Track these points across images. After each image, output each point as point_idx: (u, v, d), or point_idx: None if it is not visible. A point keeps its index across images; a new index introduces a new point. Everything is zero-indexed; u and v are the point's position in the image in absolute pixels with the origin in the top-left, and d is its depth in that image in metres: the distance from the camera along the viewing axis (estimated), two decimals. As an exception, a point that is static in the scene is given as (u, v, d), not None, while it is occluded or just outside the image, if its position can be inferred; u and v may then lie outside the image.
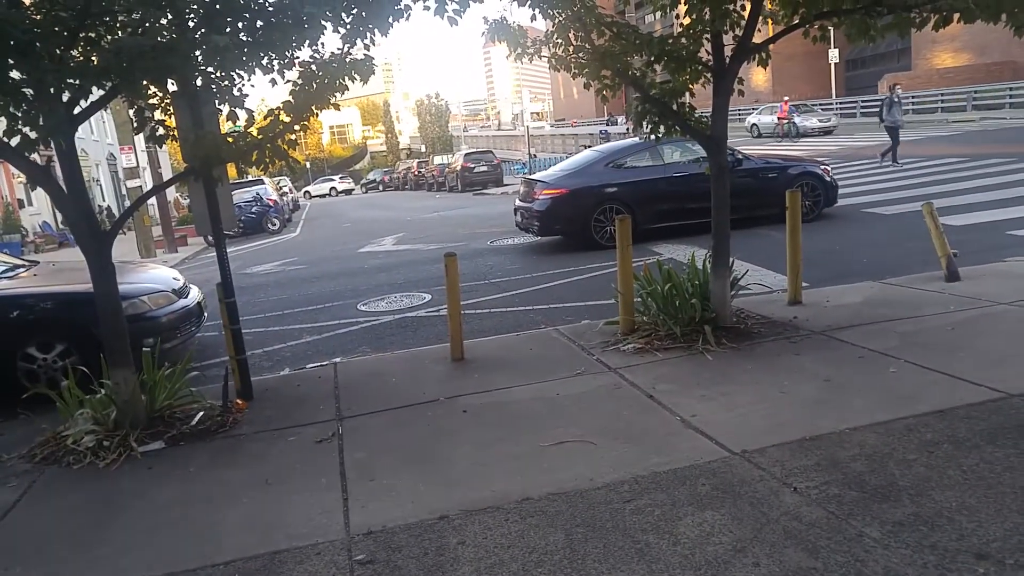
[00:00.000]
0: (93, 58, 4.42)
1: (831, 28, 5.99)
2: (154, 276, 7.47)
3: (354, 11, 4.74)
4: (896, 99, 18.73)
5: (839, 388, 4.61)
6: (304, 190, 63.35)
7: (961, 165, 16.19)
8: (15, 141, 4.22)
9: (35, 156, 4.55)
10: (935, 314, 5.91)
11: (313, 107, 5.01)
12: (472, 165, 37.16)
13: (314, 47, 4.89)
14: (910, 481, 3.37)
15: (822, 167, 12.33)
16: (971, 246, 8.18)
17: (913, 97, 36.99)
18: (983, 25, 5.28)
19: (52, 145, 4.49)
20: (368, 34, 4.88)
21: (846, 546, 2.92)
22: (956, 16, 5.14)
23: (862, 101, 41.15)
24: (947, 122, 31.04)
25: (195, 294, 7.49)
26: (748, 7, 5.58)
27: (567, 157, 20.46)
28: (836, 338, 5.59)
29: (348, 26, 4.82)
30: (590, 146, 21.82)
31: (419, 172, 50.79)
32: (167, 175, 29.70)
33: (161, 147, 5.52)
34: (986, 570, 2.69)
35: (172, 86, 4.92)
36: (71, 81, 4.21)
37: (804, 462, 3.66)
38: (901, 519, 3.07)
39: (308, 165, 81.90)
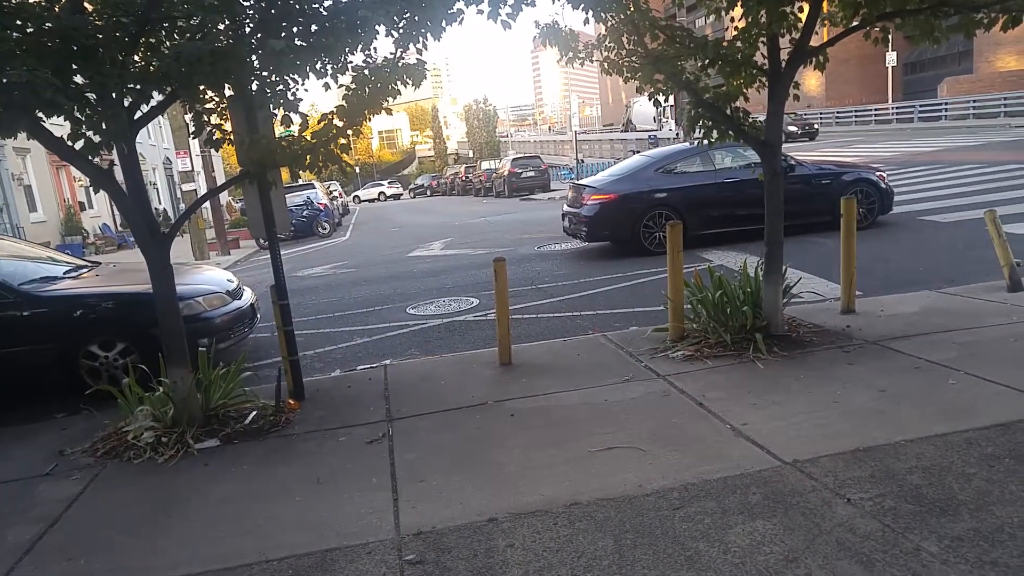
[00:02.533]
0: (153, 63, 4.54)
1: (892, 29, 5.86)
2: (209, 278, 7.64)
3: (407, 15, 4.78)
4: None
5: (894, 399, 4.50)
6: (353, 195, 64.32)
7: (1023, 172, 15.65)
8: (79, 145, 4.35)
9: (97, 160, 4.70)
10: (996, 325, 5.73)
11: (366, 111, 5.08)
12: (519, 170, 37.21)
13: (367, 51, 4.95)
14: (970, 495, 3.27)
15: (877, 173, 12.05)
16: (1035, 255, 7.90)
17: (975, 101, 36.00)
18: (1053, 25, 5.10)
19: (114, 149, 4.63)
20: (420, 38, 4.93)
21: (903, 560, 2.85)
22: (1026, 16, 4.99)
23: (920, 105, 40.15)
24: (1010, 127, 30.09)
25: (248, 296, 7.64)
26: (806, 9, 5.49)
27: (615, 162, 20.37)
28: (891, 348, 5.46)
29: (401, 30, 4.87)
30: (639, 151, 21.73)
31: (466, 177, 51.08)
32: (220, 179, 30.41)
33: (217, 151, 5.64)
34: (1050, 587, 2.61)
35: (228, 90, 5.03)
36: (132, 86, 4.34)
37: (858, 473, 3.58)
38: (960, 534, 2.98)
39: (357, 170, 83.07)
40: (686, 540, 3.14)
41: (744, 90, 5.73)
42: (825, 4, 5.56)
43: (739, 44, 5.64)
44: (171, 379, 5.04)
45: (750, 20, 5.46)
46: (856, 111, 46.81)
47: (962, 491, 3.32)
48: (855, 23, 5.57)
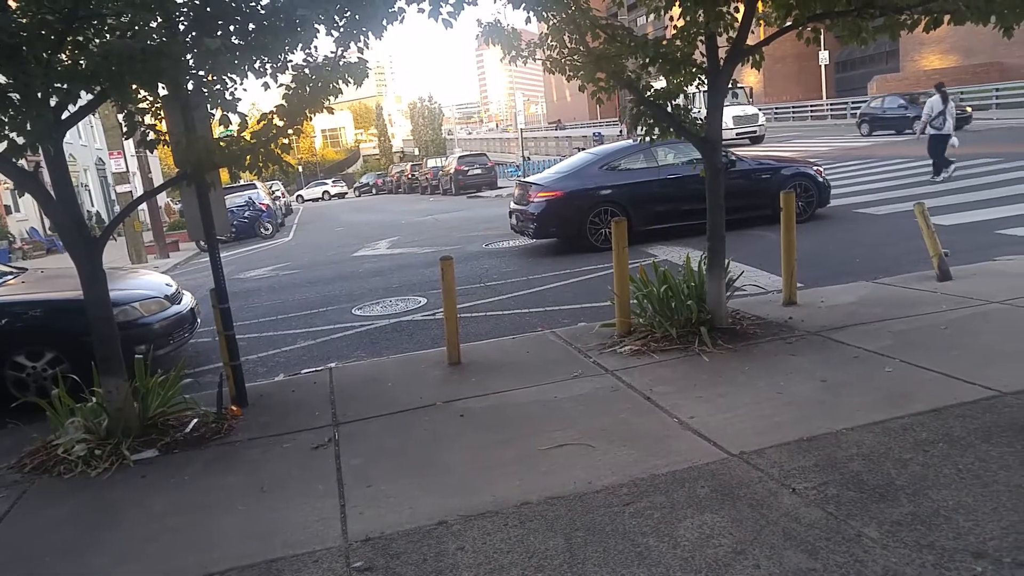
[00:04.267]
0: (81, 62, 4.35)
1: (823, 30, 6.01)
2: (146, 282, 7.42)
3: (347, 14, 4.70)
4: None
5: (835, 388, 4.61)
6: (297, 194, 63.31)
7: (950, 165, 16.24)
8: (2, 147, 4.16)
9: (22, 162, 4.49)
10: (928, 313, 5.93)
11: (307, 111, 4.98)
12: (466, 168, 37.15)
13: (307, 50, 4.86)
14: (907, 480, 3.37)
15: (815, 168, 12.36)
16: (962, 245, 8.21)
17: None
18: (970, 27, 5.34)
19: (40, 150, 4.44)
20: (361, 37, 4.85)
21: (845, 546, 2.92)
22: (946, 18, 5.19)
23: (852, 102, 41.33)
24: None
25: (188, 300, 7.45)
26: (742, 9, 5.59)
27: (561, 159, 20.46)
28: (831, 338, 5.59)
29: (341, 29, 4.78)
30: (584, 148, 21.86)
31: (412, 175, 50.75)
32: (157, 180, 29.63)
33: (152, 152, 5.46)
34: (983, 568, 2.70)
35: (163, 90, 4.88)
36: (59, 85, 4.16)
37: (802, 463, 3.65)
38: (899, 518, 3.07)
39: (300, 169, 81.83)
40: (636, 536, 3.15)
41: (684, 88, 5.80)
42: (760, 4, 5.67)
43: (678, 43, 5.72)
44: (105, 388, 4.85)
45: (688, 19, 5.54)
46: (794, 107, 47.90)
47: (900, 476, 3.41)
48: (788, 23, 5.70)
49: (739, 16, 5.60)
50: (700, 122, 5.94)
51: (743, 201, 10.91)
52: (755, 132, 33.30)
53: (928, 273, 7.05)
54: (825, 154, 23.44)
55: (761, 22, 6.02)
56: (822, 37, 6.51)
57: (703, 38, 5.66)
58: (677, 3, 5.32)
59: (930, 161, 14.69)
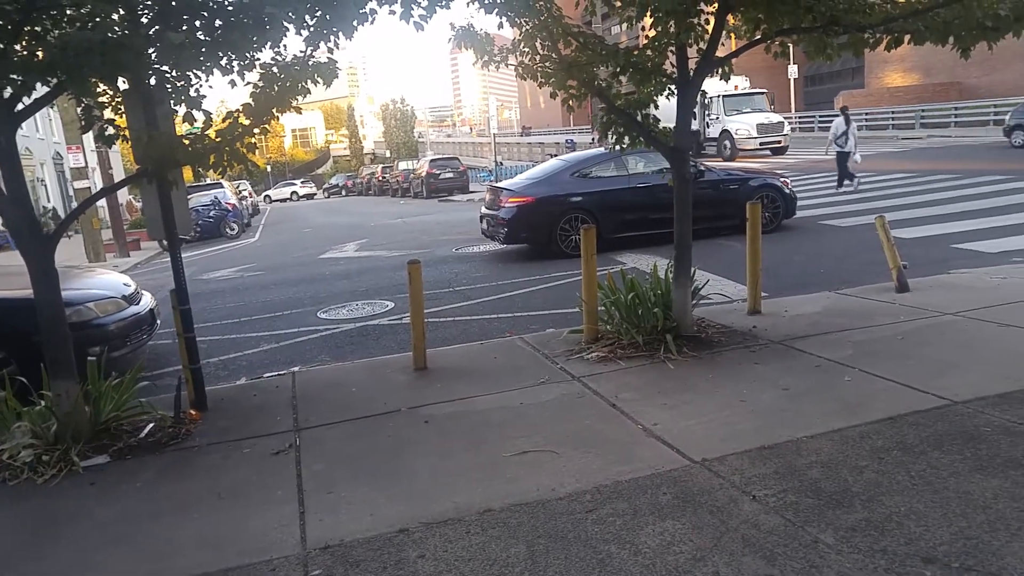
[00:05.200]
0: (38, 53, 4.23)
1: (791, 44, 6.10)
2: (102, 282, 7.22)
3: (318, 13, 4.65)
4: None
5: (797, 397, 4.67)
6: (264, 194, 62.69)
7: (910, 180, 16.67)
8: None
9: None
10: (886, 324, 6.05)
11: (274, 110, 4.90)
12: (438, 171, 37.00)
13: (276, 49, 4.79)
14: (862, 487, 3.43)
15: (781, 180, 12.54)
16: (920, 258, 8.38)
17: (867, 114, 37.92)
18: (931, 47, 5.49)
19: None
20: (332, 37, 4.80)
21: (802, 552, 2.95)
22: (907, 38, 5.34)
23: (819, 116, 42.05)
24: (897, 139, 32.06)
25: (147, 301, 7.26)
26: (712, 21, 5.65)
27: (533, 165, 20.49)
28: (794, 347, 5.66)
29: (311, 28, 4.72)
30: (557, 155, 21.90)
31: (383, 177, 50.47)
32: (119, 176, 29.06)
33: (111, 147, 5.35)
34: (933, 573, 2.75)
35: (124, 84, 4.78)
36: (13, 77, 4.06)
37: (763, 470, 3.68)
38: (854, 524, 3.12)
39: (269, 169, 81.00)
40: (598, 543, 3.14)
41: (654, 97, 5.84)
42: (731, 17, 5.73)
43: (649, 52, 5.75)
44: (55, 392, 4.68)
45: (659, 30, 5.57)
46: (762, 119, 48.58)
47: (856, 483, 3.47)
48: (757, 36, 5.77)
49: (709, 28, 5.66)
50: (669, 131, 5.98)
51: (711, 211, 11.04)
52: (779, 143, 30.08)
53: (888, 285, 7.19)
54: (792, 166, 23.81)
55: (731, 35, 6.09)
56: (791, 52, 6.61)
57: (674, 48, 5.70)
58: (649, 14, 5.35)
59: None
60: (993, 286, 7.00)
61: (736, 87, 32.05)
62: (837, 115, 16.98)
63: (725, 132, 30.39)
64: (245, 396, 5.79)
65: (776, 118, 30.72)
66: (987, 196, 12.97)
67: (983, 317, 5.95)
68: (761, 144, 29.54)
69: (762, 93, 32.57)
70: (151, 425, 4.98)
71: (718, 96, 30.73)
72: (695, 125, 32.30)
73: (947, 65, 35.86)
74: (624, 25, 5.93)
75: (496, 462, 4.09)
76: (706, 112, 31.65)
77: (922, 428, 4.00)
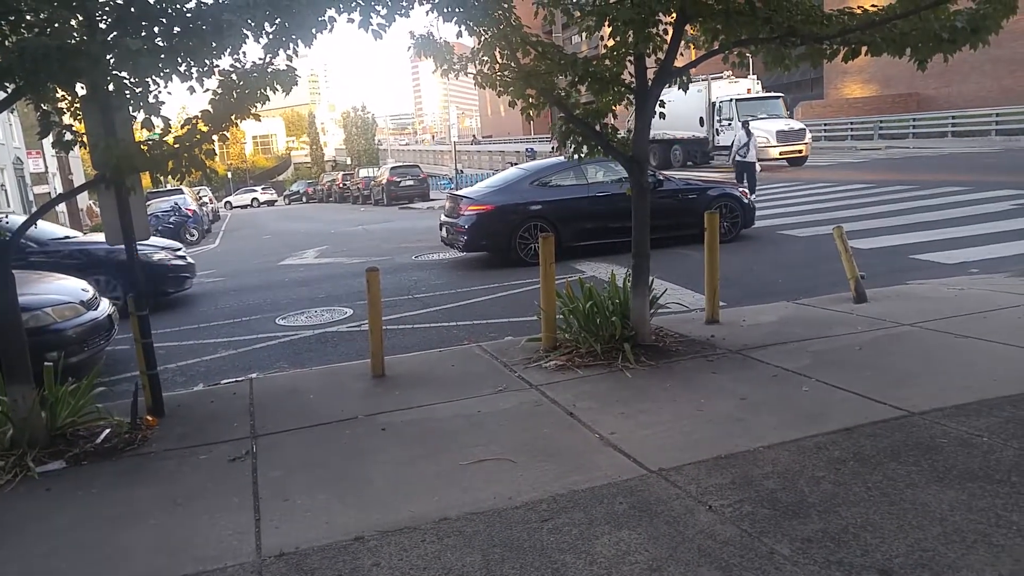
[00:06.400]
0: (-5, 58, 4.18)
1: (749, 55, 6.20)
2: (61, 287, 7.14)
3: (276, 21, 4.63)
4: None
5: (754, 406, 4.71)
6: (225, 200, 61.90)
7: (868, 191, 16.97)
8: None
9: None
10: (844, 334, 6.13)
11: (233, 117, 4.87)
12: (398, 179, 36.95)
13: (235, 56, 4.76)
14: (818, 498, 3.45)
15: (740, 189, 12.75)
16: (877, 268, 8.55)
17: (826, 125, 38.62)
18: (889, 59, 5.58)
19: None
20: (291, 44, 4.79)
21: (758, 563, 2.97)
22: (864, 49, 5.42)
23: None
24: (856, 150, 32.46)
25: (105, 306, 7.20)
26: (670, 32, 5.72)
27: (493, 173, 20.51)
28: (752, 357, 5.73)
29: (270, 36, 4.71)
30: (517, 163, 21.93)
31: (344, 184, 50.17)
32: (79, 181, 28.45)
33: (68, 153, 5.26)
34: (888, 585, 2.78)
35: (82, 89, 4.71)
36: (-30, 81, 3.99)
37: (719, 480, 3.72)
38: (810, 535, 3.14)
39: (230, 175, 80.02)
40: (553, 552, 3.16)
41: (613, 107, 5.90)
42: (689, 28, 5.81)
43: (607, 62, 5.81)
44: (11, 397, 4.62)
45: (618, 39, 5.63)
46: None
47: (812, 494, 3.50)
48: (715, 47, 5.85)
49: (668, 38, 5.73)
50: (627, 141, 6.04)
51: (670, 220, 11.16)
52: (800, 152, 26.47)
53: (845, 295, 7.30)
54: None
55: (690, 45, 6.18)
56: (751, 62, 6.72)
57: (632, 58, 5.76)
58: (607, 23, 5.41)
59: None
60: (950, 297, 7.13)
61: (748, 90, 30.05)
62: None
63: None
64: (202, 402, 5.71)
65: (797, 124, 27.50)
66: (943, 207, 13.24)
67: (941, 328, 6.04)
68: (781, 154, 26.19)
69: (778, 97, 30.05)
70: (107, 431, 4.92)
71: (730, 100, 28.41)
72: (703, 132, 30.08)
73: (905, 76, 36.60)
74: (584, 35, 6.00)
75: (453, 470, 4.09)
76: (716, 118, 28.97)
77: (879, 439, 4.03)
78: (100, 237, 9.57)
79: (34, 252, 9.57)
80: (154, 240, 11.09)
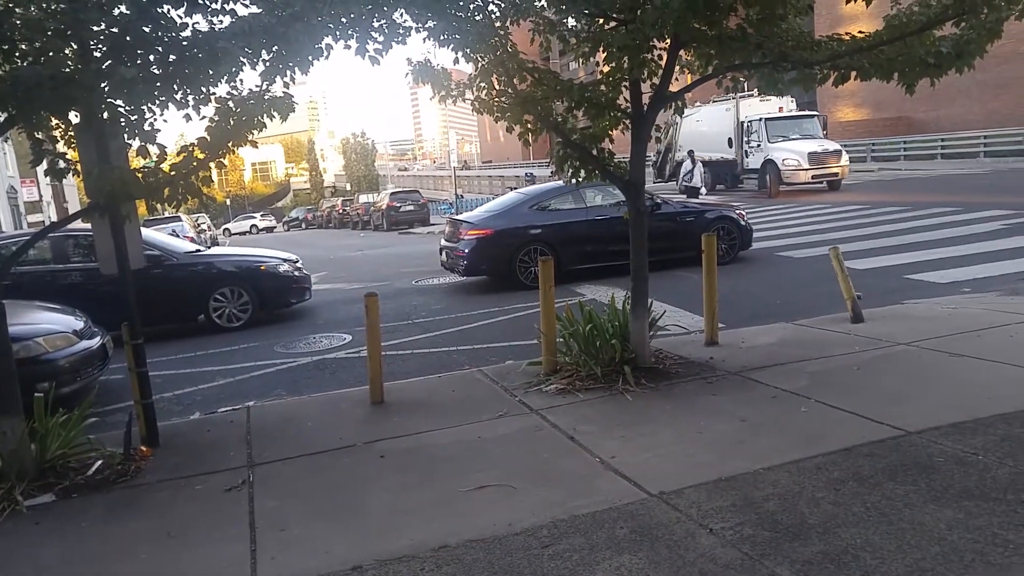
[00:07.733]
0: (-11, 87, 4.19)
1: (743, 80, 6.25)
2: (53, 317, 7.11)
3: (273, 49, 4.65)
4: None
5: (754, 428, 4.70)
6: (224, 227, 62.02)
7: (862, 212, 17.06)
8: None
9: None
10: (842, 354, 6.13)
11: (230, 144, 4.89)
12: (398, 204, 37.03)
13: (232, 83, 4.78)
14: (819, 519, 3.44)
15: (738, 212, 12.78)
16: (873, 289, 8.55)
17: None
18: (879, 83, 5.64)
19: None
20: (288, 72, 4.81)
21: (759, 587, 2.94)
22: (853, 74, 5.49)
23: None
24: (850, 171, 32.56)
25: (99, 336, 7.14)
26: (665, 57, 5.77)
27: (493, 198, 20.56)
28: (751, 378, 5.72)
29: (267, 63, 4.73)
30: (516, 188, 21.99)
31: (343, 210, 50.32)
32: (75, 209, 28.50)
33: (61, 181, 5.26)
34: (890, 607, 2.75)
35: (76, 118, 4.72)
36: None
37: (720, 503, 3.69)
38: (810, 557, 3.12)
39: (228, 202, 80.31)
40: (554, 579, 3.12)
41: (609, 132, 5.93)
42: (683, 53, 5.86)
43: (603, 88, 5.85)
44: (0, 429, 4.56)
45: (614, 65, 5.68)
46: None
47: (812, 515, 3.48)
48: (709, 72, 5.90)
49: (663, 63, 5.78)
50: (624, 165, 6.07)
51: (668, 243, 11.18)
52: (836, 175, 24.60)
53: (842, 315, 7.30)
54: (749, 197, 24.24)
55: (684, 70, 6.22)
56: (744, 87, 6.78)
57: (627, 84, 5.80)
58: (602, 49, 5.45)
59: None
60: (945, 316, 7.17)
61: (780, 109, 27.90)
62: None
63: (769, 162, 25.28)
64: (198, 432, 5.67)
65: (832, 146, 25.46)
66: (936, 228, 13.32)
67: (936, 347, 6.06)
68: (814, 177, 24.35)
69: (813, 116, 27.83)
70: (99, 462, 4.86)
71: (760, 120, 26.43)
72: (732, 155, 28.05)
73: (896, 100, 36.96)
74: (580, 61, 6.05)
75: (453, 497, 4.05)
76: (744, 139, 27.08)
77: (877, 459, 4.03)
78: (227, 251, 12.22)
79: (174, 265, 10.41)
80: (276, 252, 11.93)
